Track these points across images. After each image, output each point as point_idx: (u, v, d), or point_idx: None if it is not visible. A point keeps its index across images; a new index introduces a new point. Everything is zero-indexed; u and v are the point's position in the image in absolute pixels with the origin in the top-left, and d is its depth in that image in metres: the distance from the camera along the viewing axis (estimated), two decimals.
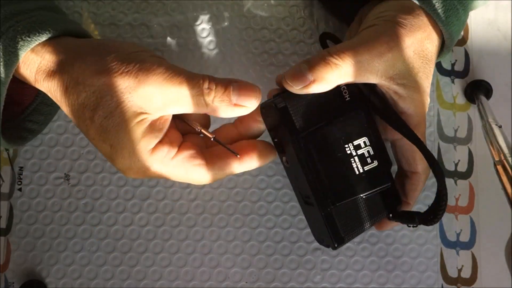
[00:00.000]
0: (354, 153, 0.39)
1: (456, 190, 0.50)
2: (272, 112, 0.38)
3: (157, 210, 0.49)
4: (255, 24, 0.51)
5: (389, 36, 0.38)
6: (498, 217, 0.49)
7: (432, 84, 0.51)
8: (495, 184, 0.42)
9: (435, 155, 0.50)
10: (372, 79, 0.38)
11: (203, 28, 0.51)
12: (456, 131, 0.51)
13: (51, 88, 0.36)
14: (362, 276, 0.48)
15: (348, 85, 0.39)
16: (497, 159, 0.42)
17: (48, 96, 0.43)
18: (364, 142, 0.39)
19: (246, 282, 0.48)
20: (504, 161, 0.41)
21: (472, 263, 0.48)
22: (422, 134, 0.41)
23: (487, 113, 0.46)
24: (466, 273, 0.48)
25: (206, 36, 0.51)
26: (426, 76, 0.40)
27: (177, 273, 0.48)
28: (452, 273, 0.48)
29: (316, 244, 0.48)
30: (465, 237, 0.49)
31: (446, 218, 0.49)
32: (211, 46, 0.51)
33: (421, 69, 0.39)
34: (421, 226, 0.49)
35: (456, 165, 0.50)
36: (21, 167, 0.49)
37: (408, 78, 0.39)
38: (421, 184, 0.43)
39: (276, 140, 0.40)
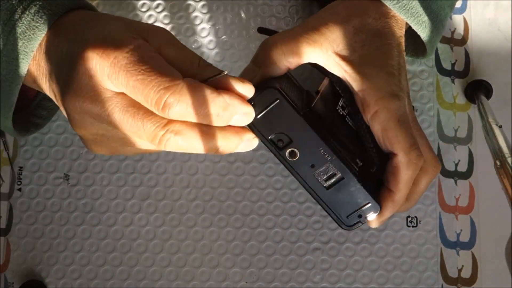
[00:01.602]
0: (344, 113, 0.41)
1: (456, 190, 0.50)
2: (268, 98, 0.37)
3: (156, 210, 0.49)
4: (255, 24, 0.51)
5: (324, 14, 0.40)
6: (498, 217, 0.49)
7: (431, 84, 0.51)
8: (495, 184, 0.42)
9: None
10: (318, 58, 0.39)
11: (203, 28, 0.51)
12: (456, 131, 0.51)
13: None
14: (361, 276, 0.48)
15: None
16: (497, 159, 0.42)
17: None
18: (344, 102, 0.41)
19: (246, 282, 0.48)
20: (504, 161, 0.41)
21: (472, 263, 0.48)
22: (386, 117, 0.38)
23: (487, 113, 0.46)
24: (466, 273, 0.48)
25: (206, 36, 0.51)
26: (374, 49, 0.39)
27: (177, 273, 0.48)
28: (452, 273, 0.48)
29: (316, 244, 0.48)
30: (465, 237, 0.49)
31: (446, 218, 0.49)
32: (211, 46, 0.51)
33: (368, 41, 0.39)
34: (421, 226, 0.49)
35: (456, 165, 0.50)
36: (21, 167, 0.49)
37: (353, 52, 0.39)
38: (403, 170, 0.39)
39: (271, 137, 0.38)
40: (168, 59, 0.34)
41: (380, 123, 0.39)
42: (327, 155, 0.38)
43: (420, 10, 0.41)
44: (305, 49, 0.39)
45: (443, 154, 0.50)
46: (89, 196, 0.49)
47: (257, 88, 0.36)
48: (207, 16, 0.51)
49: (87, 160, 0.49)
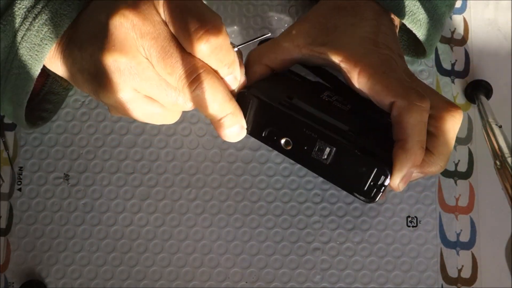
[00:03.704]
0: (331, 100, 0.41)
1: (456, 190, 0.50)
2: (246, 102, 0.39)
3: (156, 210, 0.49)
4: (255, 24, 0.51)
5: (297, 21, 0.42)
6: (498, 217, 0.49)
7: (432, 84, 0.51)
8: (495, 184, 0.42)
9: None
10: (293, 52, 0.41)
11: None
12: None
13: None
14: (361, 276, 0.48)
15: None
16: (497, 159, 0.42)
17: (55, 85, 0.46)
18: (330, 93, 0.41)
19: (246, 282, 0.48)
20: (504, 161, 0.41)
21: (472, 263, 0.48)
22: (370, 73, 0.38)
23: (487, 113, 0.46)
24: (466, 273, 0.48)
25: None
26: (349, 26, 0.40)
27: (177, 273, 0.48)
28: (452, 273, 0.48)
29: (316, 244, 0.48)
30: (465, 237, 0.49)
31: (446, 218, 0.49)
32: None
33: (341, 23, 0.40)
34: (421, 226, 0.49)
35: (456, 165, 0.50)
36: (21, 167, 0.49)
37: (325, 37, 0.40)
38: (406, 113, 0.36)
39: (264, 134, 0.40)
40: None
41: (367, 81, 0.38)
42: (313, 134, 0.38)
43: (414, 8, 0.41)
44: (277, 48, 0.41)
45: None
46: (89, 196, 0.49)
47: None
48: None
49: (87, 160, 0.49)
